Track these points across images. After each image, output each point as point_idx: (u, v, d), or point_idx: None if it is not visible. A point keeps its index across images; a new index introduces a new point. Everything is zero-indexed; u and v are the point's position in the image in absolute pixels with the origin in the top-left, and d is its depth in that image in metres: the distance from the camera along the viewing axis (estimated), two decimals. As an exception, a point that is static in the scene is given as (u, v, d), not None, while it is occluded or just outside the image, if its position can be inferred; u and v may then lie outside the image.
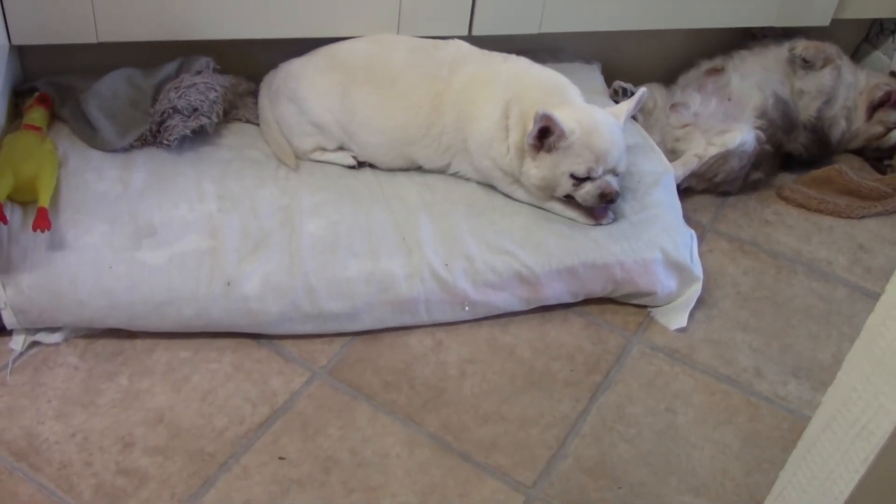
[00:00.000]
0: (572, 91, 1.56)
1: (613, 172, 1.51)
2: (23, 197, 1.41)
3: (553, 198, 1.55)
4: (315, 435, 1.29)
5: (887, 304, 0.62)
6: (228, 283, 1.38)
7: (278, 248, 1.43)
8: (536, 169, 1.50)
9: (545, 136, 1.46)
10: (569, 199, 1.54)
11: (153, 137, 1.58)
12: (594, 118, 1.49)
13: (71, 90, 1.64)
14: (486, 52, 1.63)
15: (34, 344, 1.37)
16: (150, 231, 1.42)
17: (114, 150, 1.56)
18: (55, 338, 1.38)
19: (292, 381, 1.37)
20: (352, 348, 1.43)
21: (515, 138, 1.51)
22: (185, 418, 1.29)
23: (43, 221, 1.34)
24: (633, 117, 1.85)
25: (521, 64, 1.60)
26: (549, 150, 1.47)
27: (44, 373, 1.34)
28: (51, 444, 1.24)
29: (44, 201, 1.38)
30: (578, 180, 1.49)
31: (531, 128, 1.45)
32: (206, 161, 1.58)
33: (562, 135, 1.45)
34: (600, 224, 1.54)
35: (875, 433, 0.66)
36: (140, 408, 1.30)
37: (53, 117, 1.62)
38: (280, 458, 1.26)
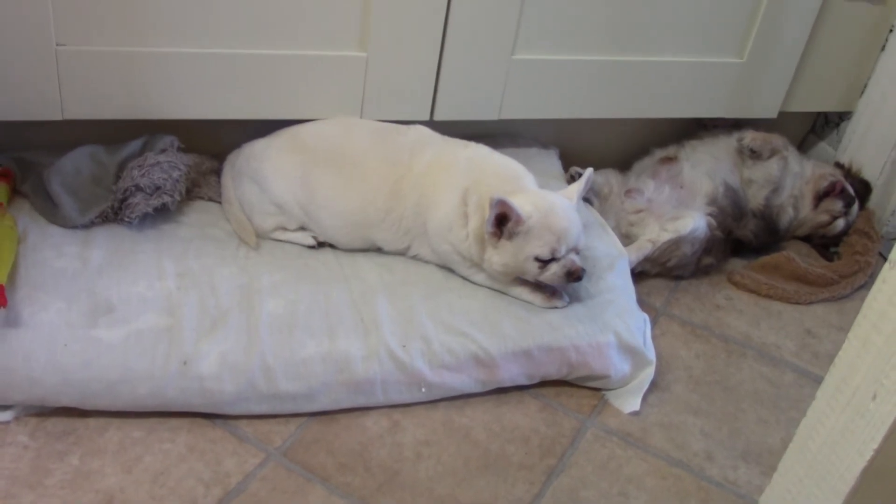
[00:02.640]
0: (528, 179, 1.60)
1: (575, 250, 1.54)
2: (-20, 272, 1.40)
3: (513, 281, 1.58)
4: (267, 518, 1.28)
5: (817, 411, 0.65)
6: (185, 363, 1.37)
7: (236, 327, 1.44)
8: (498, 256, 1.52)
9: (503, 222, 1.49)
10: (528, 282, 1.56)
11: (114, 214, 1.58)
12: (549, 200, 1.52)
13: (33, 165, 1.65)
14: (447, 138, 1.67)
15: (-17, 422, 1.35)
16: (107, 308, 1.42)
17: (74, 227, 1.56)
18: (5, 416, 1.36)
19: (246, 463, 1.36)
20: (307, 429, 1.43)
21: (474, 225, 1.54)
22: (136, 500, 1.28)
23: (-1, 298, 1.34)
24: (589, 201, 1.91)
25: (481, 151, 1.64)
26: (510, 237, 1.50)
27: (-8, 452, 1.32)
28: (-5, 527, 1.22)
29: (1, 278, 1.37)
30: (544, 262, 1.52)
31: (488, 214, 1.48)
32: (167, 239, 1.59)
33: (519, 220, 1.48)
34: (556, 307, 1.57)
35: (809, 534, 0.68)
36: (89, 489, 1.28)
37: (14, 192, 1.63)
38: (231, 543, 1.24)
